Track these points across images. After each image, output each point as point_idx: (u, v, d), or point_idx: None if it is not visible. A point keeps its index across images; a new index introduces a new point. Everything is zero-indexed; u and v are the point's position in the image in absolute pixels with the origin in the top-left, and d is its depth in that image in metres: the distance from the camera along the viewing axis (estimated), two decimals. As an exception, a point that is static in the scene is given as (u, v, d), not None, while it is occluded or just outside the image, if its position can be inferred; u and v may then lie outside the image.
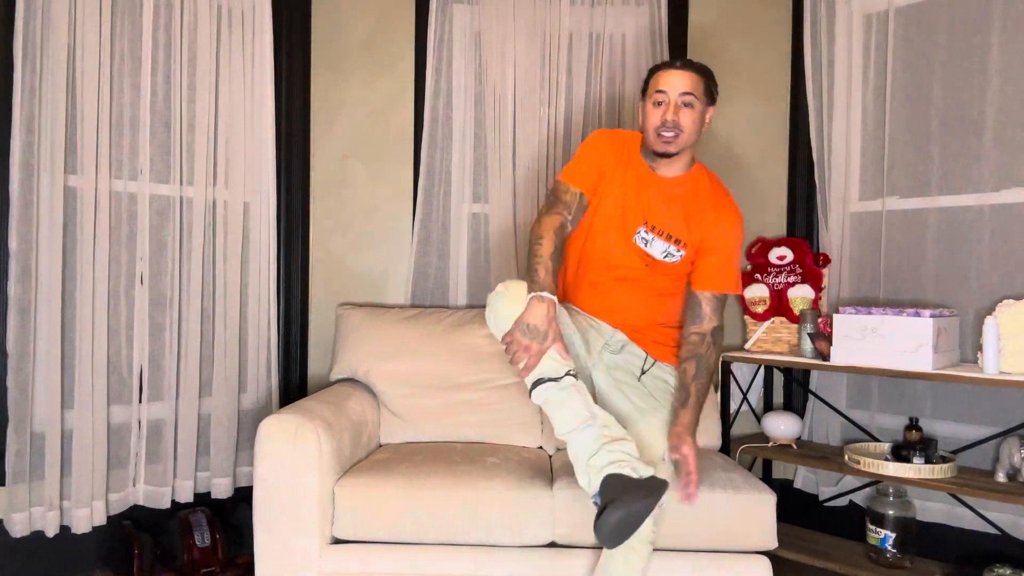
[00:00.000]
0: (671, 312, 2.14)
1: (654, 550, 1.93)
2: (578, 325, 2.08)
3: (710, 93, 2.02)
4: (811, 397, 2.82)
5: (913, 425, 2.43)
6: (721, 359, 2.76)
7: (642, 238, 2.06)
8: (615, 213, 2.06)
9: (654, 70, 2.03)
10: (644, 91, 2.06)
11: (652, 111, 1.99)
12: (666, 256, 2.07)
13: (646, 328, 2.12)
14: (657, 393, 2.04)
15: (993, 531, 2.40)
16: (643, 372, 2.08)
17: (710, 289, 2.06)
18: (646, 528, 1.84)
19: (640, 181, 2.06)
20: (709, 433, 2.51)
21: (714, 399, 2.60)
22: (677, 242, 2.06)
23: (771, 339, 2.76)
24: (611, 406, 2.02)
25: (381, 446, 2.48)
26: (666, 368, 2.11)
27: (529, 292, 1.85)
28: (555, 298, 1.84)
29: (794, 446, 2.68)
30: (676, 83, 1.96)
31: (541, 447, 2.48)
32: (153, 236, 2.56)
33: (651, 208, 2.06)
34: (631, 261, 2.07)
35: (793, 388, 2.94)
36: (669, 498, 1.82)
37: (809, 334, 2.56)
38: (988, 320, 2.19)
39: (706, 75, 2.01)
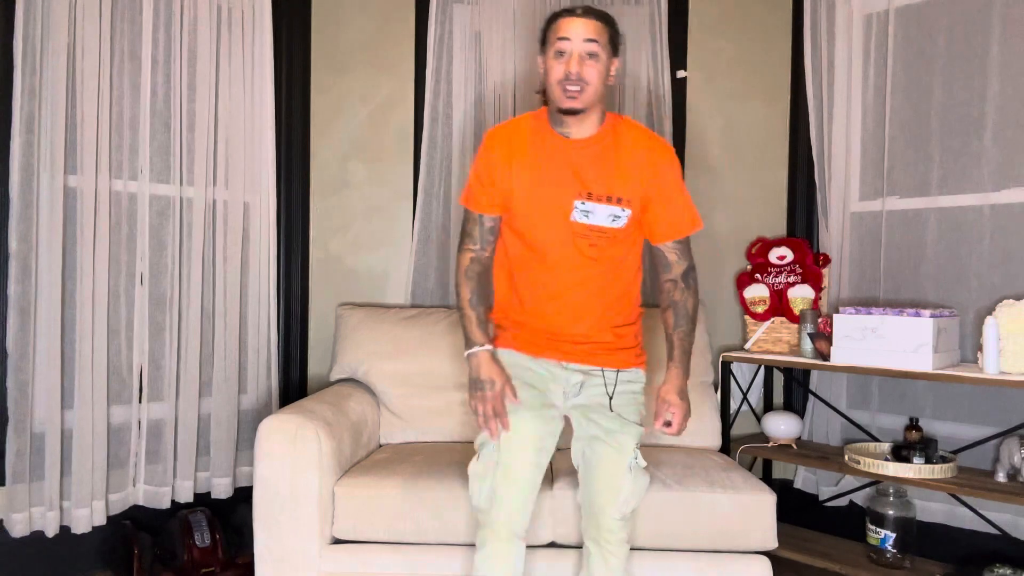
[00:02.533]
0: (629, 308, 1.94)
1: (657, 550, 1.93)
2: (528, 382, 1.88)
3: (614, 43, 1.83)
4: (811, 397, 2.82)
5: (913, 425, 2.43)
6: (721, 359, 2.76)
7: (582, 212, 1.84)
8: (539, 200, 1.84)
9: (553, 19, 1.82)
10: (543, 43, 1.84)
11: (554, 64, 1.79)
12: (613, 221, 1.85)
13: (603, 331, 1.89)
14: (626, 410, 1.88)
15: (993, 531, 2.40)
16: (611, 398, 1.88)
17: (671, 238, 1.89)
18: (619, 529, 1.83)
19: (555, 153, 1.85)
20: (709, 433, 2.51)
21: (714, 399, 2.60)
22: (619, 201, 1.85)
23: (771, 339, 2.76)
24: (580, 434, 1.90)
25: (381, 446, 2.48)
26: (630, 372, 1.91)
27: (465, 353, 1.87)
28: (488, 346, 1.85)
29: (794, 446, 2.68)
30: (579, 30, 1.76)
31: (541, 447, 2.48)
32: (153, 236, 2.56)
33: (581, 175, 1.83)
34: (575, 249, 1.85)
35: (793, 388, 2.94)
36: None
37: (809, 334, 2.56)
38: (988, 320, 2.19)
39: (610, 24, 1.83)
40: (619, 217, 1.85)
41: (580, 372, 1.89)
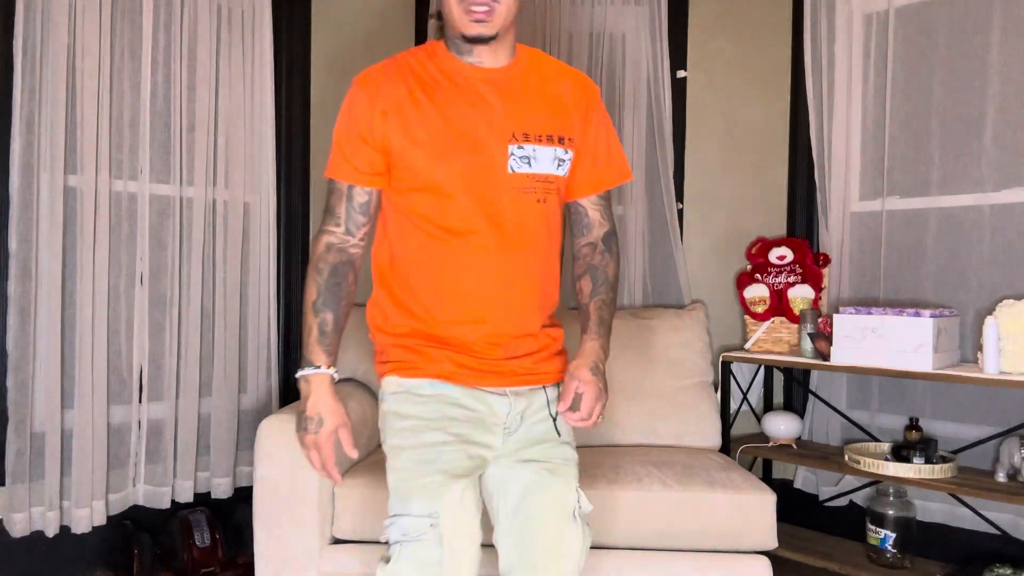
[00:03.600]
0: (556, 293, 1.55)
1: (657, 550, 1.92)
2: (459, 432, 1.42)
3: None
4: (811, 397, 2.82)
5: (913, 425, 2.43)
6: (721, 359, 2.76)
7: (521, 158, 1.43)
8: (454, 153, 1.40)
9: None
10: None
11: None
12: (559, 166, 1.47)
13: (542, 331, 1.50)
14: (567, 435, 1.51)
15: (993, 531, 2.40)
16: (555, 419, 1.49)
17: (596, 191, 1.56)
18: (579, 543, 1.47)
19: (468, 88, 1.43)
20: (709, 433, 2.51)
21: (714, 399, 2.60)
22: (562, 140, 1.47)
23: (771, 339, 2.76)
24: (510, 487, 1.46)
25: (381, 446, 2.47)
26: (557, 387, 1.53)
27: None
28: (324, 370, 1.40)
29: (794, 446, 2.68)
30: None
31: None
32: (153, 236, 2.55)
33: (511, 112, 1.44)
34: (518, 211, 1.43)
35: (793, 388, 2.94)
36: None
37: (809, 334, 2.56)
38: (988, 320, 2.19)
39: None
40: (564, 161, 1.48)
41: (523, 397, 1.47)
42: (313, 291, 1.43)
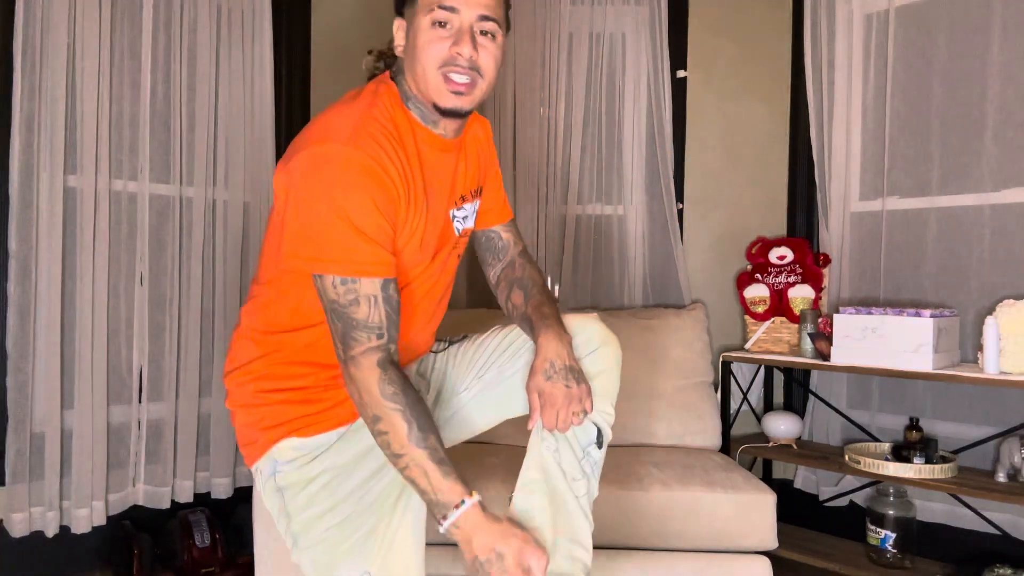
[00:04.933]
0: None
1: (657, 550, 1.92)
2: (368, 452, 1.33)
3: (507, 19, 1.33)
4: (811, 397, 2.82)
5: (913, 425, 2.43)
6: (721, 359, 2.76)
7: (460, 220, 1.42)
8: (431, 234, 1.34)
9: None
10: (402, 2, 1.35)
11: (430, 37, 1.24)
12: (474, 217, 1.48)
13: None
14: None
15: (993, 531, 2.40)
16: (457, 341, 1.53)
17: (503, 220, 1.54)
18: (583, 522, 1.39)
19: (439, 166, 1.34)
20: (709, 433, 2.51)
21: (714, 399, 2.60)
22: (479, 192, 1.47)
23: (771, 339, 2.76)
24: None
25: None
26: None
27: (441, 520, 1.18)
28: (469, 500, 1.19)
29: (794, 446, 2.68)
30: None
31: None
32: (153, 236, 2.55)
33: (455, 180, 1.39)
34: (443, 269, 1.43)
35: (793, 388, 2.94)
36: None
37: (809, 334, 2.55)
38: (988, 320, 2.19)
39: None
40: (476, 211, 1.47)
41: (433, 351, 1.58)
42: (399, 425, 1.16)
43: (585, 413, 1.32)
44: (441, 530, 1.18)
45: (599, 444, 1.39)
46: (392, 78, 1.33)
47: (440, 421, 1.45)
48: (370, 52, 1.38)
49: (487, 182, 1.50)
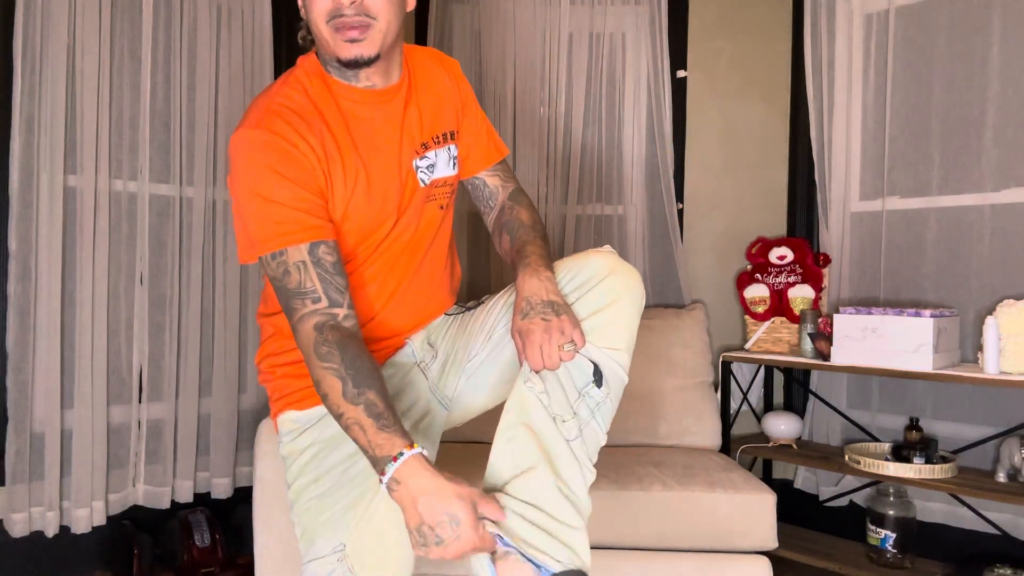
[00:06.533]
0: (449, 273, 1.53)
1: (657, 550, 1.92)
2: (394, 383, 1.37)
3: None
4: (811, 397, 2.82)
5: (913, 425, 2.43)
6: (721, 359, 2.76)
7: (428, 166, 1.37)
8: (375, 196, 1.32)
9: None
10: None
11: None
12: (453, 164, 1.43)
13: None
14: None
15: (993, 531, 2.40)
16: (463, 311, 1.47)
17: (490, 164, 1.50)
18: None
19: (370, 120, 1.32)
20: (709, 433, 2.51)
21: (714, 399, 2.60)
22: (453, 136, 1.43)
23: (771, 339, 2.76)
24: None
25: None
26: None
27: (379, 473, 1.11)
28: (408, 453, 1.10)
29: (794, 446, 2.68)
30: None
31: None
32: (153, 236, 2.55)
33: (410, 129, 1.36)
34: (423, 223, 1.39)
35: (793, 388, 2.94)
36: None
37: (809, 334, 2.55)
38: (988, 320, 2.19)
39: None
40: (455, 156, 1.43)
41: (421, 330, 1.52)
42: (334, 383, 1.14)
43: (575, 345, 1.20)
44: (383, 490, 1.10)
45: (598, 383, 1.23)
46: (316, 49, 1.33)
47: (454, 391, 1.41)
48: (301, 25, 1.34)
49: (463, 125, 1.44)
